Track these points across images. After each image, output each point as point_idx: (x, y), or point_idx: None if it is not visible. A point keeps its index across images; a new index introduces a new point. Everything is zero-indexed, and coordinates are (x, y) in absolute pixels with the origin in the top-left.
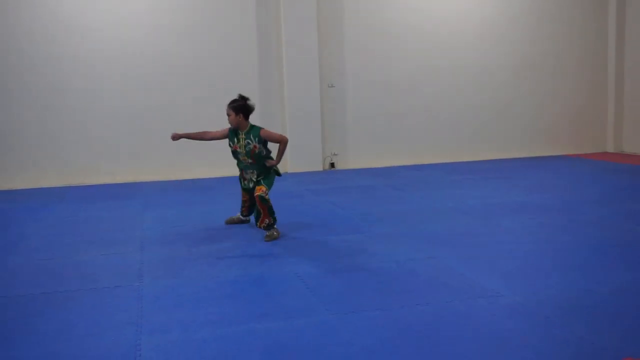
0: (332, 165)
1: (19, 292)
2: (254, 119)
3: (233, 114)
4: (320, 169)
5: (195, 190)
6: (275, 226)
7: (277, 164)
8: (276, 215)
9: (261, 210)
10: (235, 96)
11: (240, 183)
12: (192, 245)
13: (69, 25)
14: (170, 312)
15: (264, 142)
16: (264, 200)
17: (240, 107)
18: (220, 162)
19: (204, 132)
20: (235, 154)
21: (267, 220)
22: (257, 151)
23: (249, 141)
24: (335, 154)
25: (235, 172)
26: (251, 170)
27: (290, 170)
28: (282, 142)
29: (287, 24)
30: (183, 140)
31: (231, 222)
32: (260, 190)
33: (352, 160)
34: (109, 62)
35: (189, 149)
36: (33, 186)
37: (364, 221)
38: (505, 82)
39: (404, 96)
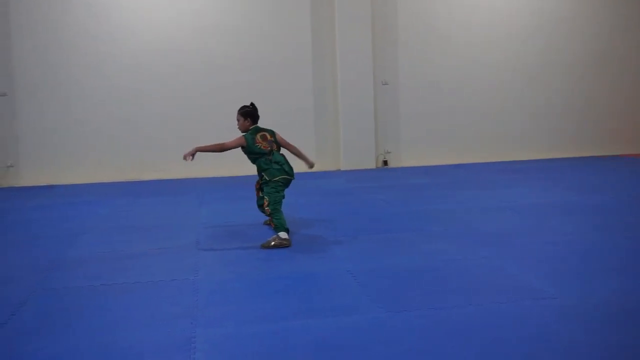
0: (385, 163)
1: (79, 283)
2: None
3: (241, 119)
4: (373, 166)
5: (248, 186)
6: (280, 234)
7: (190, 152)
8: (282, 220)
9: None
10: (279, 97)
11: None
12: (246, 241)
13: (123, 24)
14: (224, 306)
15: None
16: (264, 209)
17: (245, 112)
18: None
19: (222, 144)
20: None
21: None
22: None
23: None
24: (388, 152)
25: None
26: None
27: (342, 168)
28: (217, 145)
29: (341, 22)
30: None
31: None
32: (264, 204)
33: (404, 158)
34: (161, 62)
35: None
36: (91, 181)
37: (415, 219)
38: (558, 80)
39: (456, 94)
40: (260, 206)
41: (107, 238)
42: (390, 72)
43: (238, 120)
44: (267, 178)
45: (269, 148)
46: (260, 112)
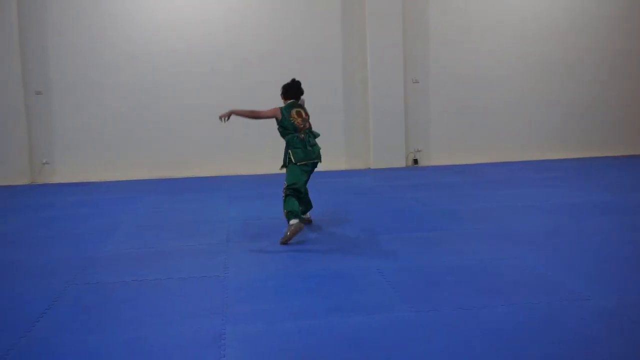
0: (416, 161)
1: (112, 279)
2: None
3: (282, 96)
4: (403, 165)
5: (278, 184)
6: (290, 222)
7: (226, 114)
8: (293, 209)
9: None
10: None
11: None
12: (276, 238)
13: (156, 24)
14: (253, 303)
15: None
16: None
17: (283, 86)
18: None
19: (257, 112)
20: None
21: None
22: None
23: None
24: (418, 151)
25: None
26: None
27: (372, 167)
28: (254, 113)
29: (372, 20)
30: (267, 135)
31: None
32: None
33: (435, 156)
34: (194, 60)
35: (271, 143)
36: (124, 179)
37: (446, 218)
38: (591, 79)
39: (488, 93)
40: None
41: (140, 234)
42: (421, 70)
43: (281, 97)
44: (292, 158)
45: (302, 125)
46: None
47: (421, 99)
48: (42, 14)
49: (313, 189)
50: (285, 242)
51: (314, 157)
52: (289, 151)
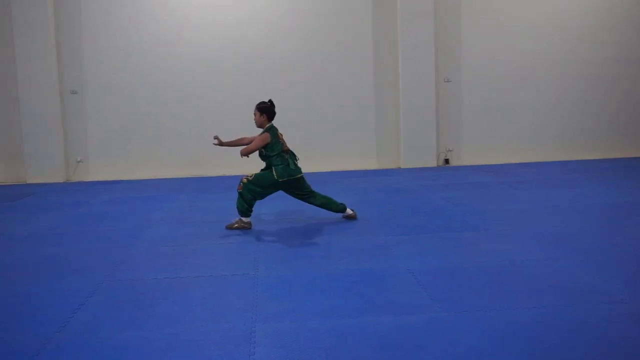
0: (447, 161)
1: (144, 276)
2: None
3: (257, 114)
4: (434, 164)
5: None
6: (243, 218)
7: (219, 142)
8: (246, 206)
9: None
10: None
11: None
12: (304, 237)
13: (187, 25)
14: (283, 302)
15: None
16: (240, 185)
17: (264, 108)
18: (331, 157)
19: (242, 138)
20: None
21: (237, 206)
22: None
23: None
24: (450, 150)
25: (337, 166)
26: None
27: (403, 166)
28: (249, 146)
29: (403, 18)
30: (292, 134)
31: None
32: (244, 180)
33: (467, 156)
34: (224, 61)
35: (300, 142)
36: (155, 177)
37: (477, 219)
38: (624, 79)
39: (520, 92)
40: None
41: (171, 232)
42: (453, 69)
43: (255, 114)
44: (275, 174)
45: (286, 147)
46: (321, 110)
47: (453, 98)
48: (77, 15)
49: (344, 189)
50: (231, 228)
51: (296, 174)
52: (272, 168)
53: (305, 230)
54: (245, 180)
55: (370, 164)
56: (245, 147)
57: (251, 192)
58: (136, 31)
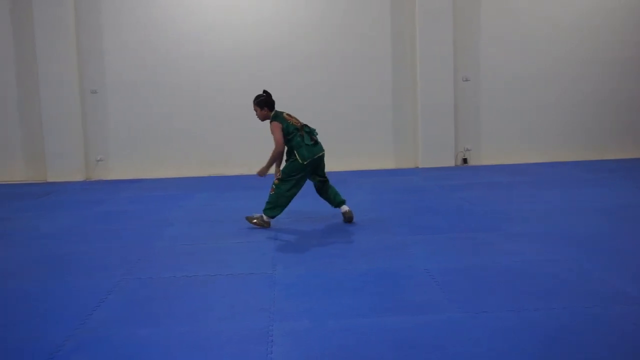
0: (465, 161)
1: (163, 274)
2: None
3: (258, 109)
4: (452, 164)
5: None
6: (265, 218)
7: (262, 172)
8: (275, 209)
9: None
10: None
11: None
12: (322, 237)
13: (207, 25)
14: (300, 301)
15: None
16: (273, 186)
17: (262, 101)
18: (348, 156)
19: (275, 155)
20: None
21: (265, 207)
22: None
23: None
24: (468, 150)
25: (355, 165)
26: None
27: (421, 166)
28: (274, 150)
29: (422, 16)
30: (328, 135)
31: None
32: (275, 175)
33: (485, 156)
34: (243, 60)
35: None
36: (176, 176)
37: (496, 219)
38: None
39: (540, 91)
40: (326, 193)
41: (190, 231)
42: (472, 68)
43: (255, 110)
44: (298, 158)
45: (299, 123)
46: (338, 109)
47: (471, 97)
48: (97, 15)
49: (362, 188)
50: (250, 221)
51: (319, 152)
52: (294, 152)
53: (323, 230)
54: (277, 181)
55: (388, 164)
56: (273, 153)
57: (287, 188)
58: (156, 31)
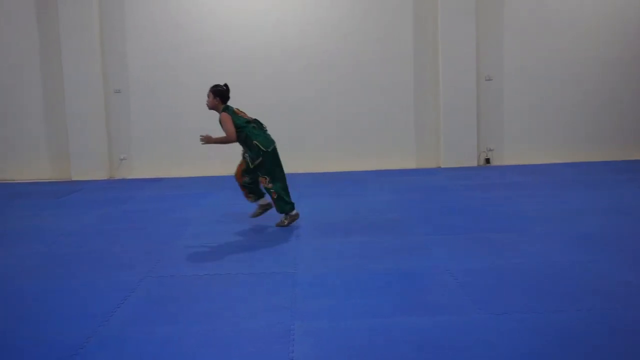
0: (487, 161)
1: (185, 272)
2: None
3: (211, 96)
4: (475, 164)
5: (347, 182)
6: (290, 213)
7: (208, 139)
8: (287, 203)
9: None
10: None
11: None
12: (344, 236)
13: (228, 25)
14: (322, 300)
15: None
16: (269, 191)
17: (217, 91)
18: (369, 156)
19: (225, 141)
20: None
21: (278, 210)
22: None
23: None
24: (490, 149)
25: (376, 165)
26: (242, 149)
27: (443, 166)
28: (225, 137)
29: (444, 15)
30: (349, 134)
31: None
32: (262, 182)
33: (508, 156)
34: (265, 60)
35: (338, 141)
36: (197, 175)
37: (518, 219)
38: None
39: (564, 90)
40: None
41: (212, 229)
42: (495, 67)
43: (208, 96)
44: (262, 148)
45: (249, 117)
46: (359, 109)
47: (494, 97)
48: (121, 16)
49: (383, 188)
50: (281, 226)
51: (274, 142)
52: (255, 142)
53: (345, 229)
54: (267, 184)
55: (409, 163)
56: (224, 137)
57: (277, 185)
58: (178, 31)
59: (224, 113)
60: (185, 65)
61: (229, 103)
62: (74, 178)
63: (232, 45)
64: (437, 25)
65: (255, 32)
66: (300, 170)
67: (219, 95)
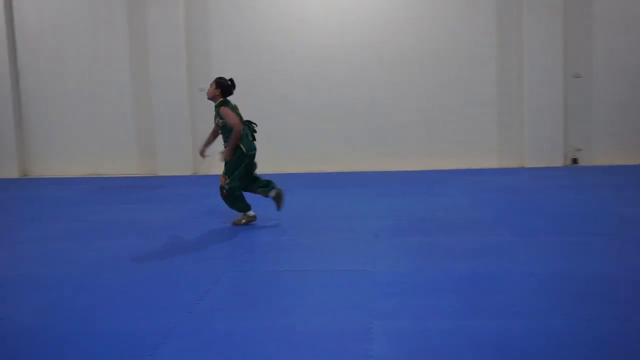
0: (575, 161)
1: (265, 267)
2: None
3: (213, 86)
4: (561, 164)
5: (424, 181)
6: (246, 213)
7: (226, 157)
8: (243, 203)
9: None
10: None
11: None
12: (423, 235)
13: (313, 23)
14: (401, 300)
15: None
16: (222, 189)
17: (221, 83)
18: (450, 155)
19: (236, 135)
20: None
21: (235, 210)
22: (220, 125)
23: (215, 114)
24: (578, 149)
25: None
26: (224, 143)
27: (526, 165)
28: (234, 131)
29: (530, 10)
30: (421, 131)
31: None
32: (221, 181)
33: (597, 156)
34: (346, 57)
35: (419, 140)
36: (278, 171)
37: (606, 222)
38: None
39: None
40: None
41: (292, 226)
42: (584, 63)
43: (210, 85)
44: (243, 149)
45: (243, 121)
46: (439, 107)
47: (583, 94)
48: (205, 16)
49: (463, 188)
50: (237, 225)
51: (255, 148)
52: (239, 144)
53: (424, 229)
54: (223, 183)
55: (491, 163)
56: (232, 137)
57: (237, 185)
58: (261, 30)
59: (223, 107)
60: (268, 64)
61: (234, 102)
62: (160, 173)
63: (313, 43)
64: (523, 20)
65: (334, 29)
66: (378, 169)
67: (221, 87)
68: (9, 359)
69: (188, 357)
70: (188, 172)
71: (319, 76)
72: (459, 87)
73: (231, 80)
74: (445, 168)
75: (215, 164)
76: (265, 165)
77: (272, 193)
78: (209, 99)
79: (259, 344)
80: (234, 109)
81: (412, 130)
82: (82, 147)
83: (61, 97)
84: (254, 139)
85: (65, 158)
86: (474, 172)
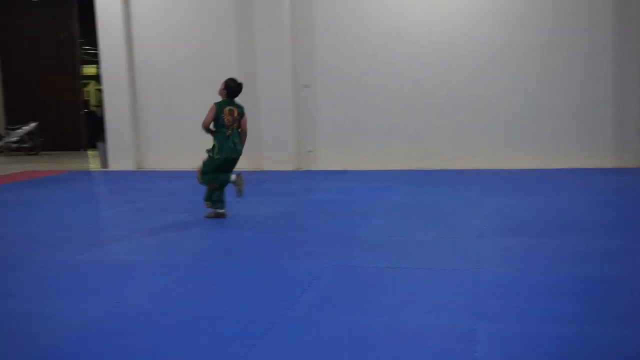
0: None
1: (367, 263)
2: None
3: (222, 85)
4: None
5: (537, 181)
6: (214, 208)
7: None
8: (211, 199)
9: None
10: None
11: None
12: (532, 236)
13: (418, 19)
14: (506, 302)
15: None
16: (198, 179)
17: (228, 85)
18: (561, 153)
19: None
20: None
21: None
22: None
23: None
24: None
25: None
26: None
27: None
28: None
29: None
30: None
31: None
32: (197, 172)
33: None
34: (448, 52)
35: (526, 138)
36: (380, 168)
37: None
38: None
39: None
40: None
41: (394, 222)
42: None
43: (221, 86)
44: (212, 152)
45: (230, 123)
46: (550, 103)
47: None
48: (311, 13)
49: (576, 188)
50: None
51: (233, 154)
52: (214, 143)
53: (533, 230)
54: (198, 175)
55: (607, 162)
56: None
57: (208, 180)
58: (366, 26)
59: (213, 104)
60: (371, 61)
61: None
62: (265, 168)
63: (419, 40)
64: None
65: (443, 24)
66: (487, 167)
67: (227, 89)
68: (122, 342)
69: (295, 348)
70: (291, 167)
71: (428, 72)
72: (570, 86)
73: (236, 82)
74: (556, 167)
75: (317, 160)
76: (366, 161)
77: (233, 177)
78: (219, 95)
79: (360, 339)
80: (221, 112)
81: (521, 128)
82: (191, 141)
83: (172, 93)
84: (235, 145)
85: (176, 152)
86: (588, 171)
